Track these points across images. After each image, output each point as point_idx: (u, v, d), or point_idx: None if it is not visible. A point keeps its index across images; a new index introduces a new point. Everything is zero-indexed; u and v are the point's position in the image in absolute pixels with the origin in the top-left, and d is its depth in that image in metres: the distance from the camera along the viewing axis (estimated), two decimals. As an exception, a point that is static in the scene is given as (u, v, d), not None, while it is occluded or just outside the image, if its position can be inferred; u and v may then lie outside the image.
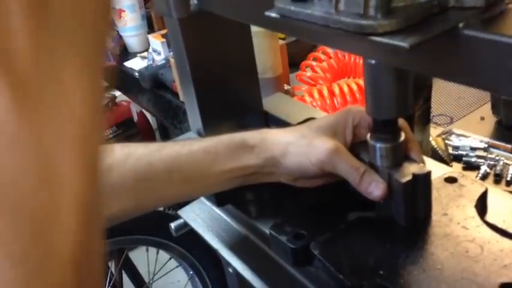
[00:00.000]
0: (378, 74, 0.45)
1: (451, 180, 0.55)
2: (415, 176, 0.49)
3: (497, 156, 0.90)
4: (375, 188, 0.51)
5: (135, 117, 2.30)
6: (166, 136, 2.17)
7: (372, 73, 0.46)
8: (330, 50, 1.28)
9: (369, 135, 0.52)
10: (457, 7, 0.36)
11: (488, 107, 1.06)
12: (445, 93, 1.14)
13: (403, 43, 0.33)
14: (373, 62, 0.45)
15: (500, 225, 0.52)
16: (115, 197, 0.53)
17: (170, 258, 1.39)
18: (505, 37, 0.33)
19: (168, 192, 0.56)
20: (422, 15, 0.36)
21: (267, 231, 0.56)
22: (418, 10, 0.36)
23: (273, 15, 0.43)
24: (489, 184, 0.85)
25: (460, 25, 0.35)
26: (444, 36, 0.35)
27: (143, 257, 1.48)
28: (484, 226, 0.49)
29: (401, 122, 0.52)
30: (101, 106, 0.20)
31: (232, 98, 0.79)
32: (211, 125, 0.79)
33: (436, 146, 0.90)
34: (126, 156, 0.54)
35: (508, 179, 0.84)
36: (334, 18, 0.37)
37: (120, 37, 1.59)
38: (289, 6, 0.41)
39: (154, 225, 1.23)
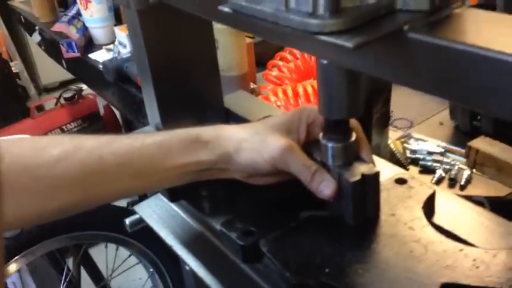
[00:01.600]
0: (329, 74, 0.46)
1: (400, 181, 0.56)
2: (364, 176, 0.50)
3: (452, 161, 0.92)
4: (325, 187, 0.51)
5: (101, 111, 2.26)
6: (131, 131, 2.13)
7: (324, 73, 0.46)
8: (296, 51, 1.28)
9: (321, 135, 0.52)
10: (403, 10, 0.37)
11: (447, 112, 1.09)
12: (406, 98, 1.16)
13: (347, 43, 0.34)
14: (324, 62, 0.45)
15: (446, 227, 0.53)
16: (62, 189, 0.52)
17: (130, 255, 1.37)
18: (448, 41, 0.34)
19: (119, 186, 0.55)
20: (369, 16, 0.36)
21: (219, 227, 0.56)
22: (366, 11, 0.36)
23: (226, 9, 0.43)
24: (444, 188, 0.87)
25: (405, 28, 0.35)
26: (389, 38, 0.35)
27: (104, 253, 1.45)
28: (430, 227, 0.50)
29: (353, 122, 0.53)
30: None
31: (192, 93, 0.79)
32: (170, 120, 0.78)
33: (394, 149, 0.92)
34: (75, 148, 0.52)
35: (462, 183, 0.86)
36: (284, 16, 0.37)
37: (86, 28, 1.55)
38: (241, 2, 0.41)
39: (113, 220, 1.21)
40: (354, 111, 0.48)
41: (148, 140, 0.56)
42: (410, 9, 0.36)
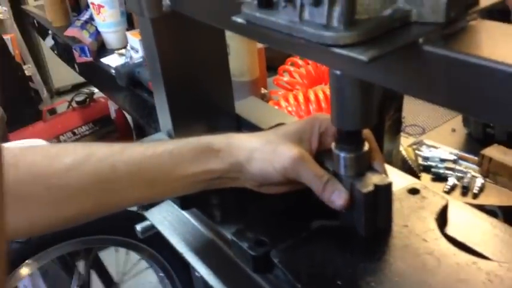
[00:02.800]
0: (343, 85, 0.45)
1: (413, 191, 0.56)
2: (377, 187, 0.50)
3: (465, 168, 0.91)
4: (337, 197, 0.51)
5: (113, 114, 2.27)
6: (142, 134, 2.15)
7: (337, 84, 0.46)
8: (308, 56, 1.28)
9: (333, 144, 0.52)
10: (418, 22, 0.36)
11: (460, 119, 1.08)
12: (418, 104, 1.15)
13: (362, 56, 0.33)
14: (338, 72, 0.45)
15: (459, 238, 0.53)
16: (74, 197, 0.52)
17: (140, 259, 1.38)
18: (464, 55, 0.33)
19: (130, 195, 0.55)
20: (384, 28, 0.36)
21: (230, 236, 0.56)
22: (380, 23, 0.36)
23: (240, 20, 0.43)
24: (456, 196, 0.86)
25: (420, 40, 0.35)
26: (404, 51, 0.35)
27: (114, 257, 1.46)
28: (443, 239, 0.50)
29: (366, 132, 0.53)
30: None
31: (204, 100, 0.79)
32: (182, 126, 0.78)
33: (406, 156, 0.91)
34: (87, 156, 0.53)
35: (475, 191, 0.85)
36: (298, 27, 0.37)
37: (98, 33, 1.56)
38: (255, 13, 0.41)
39: (124, 225, 1.21)
40: (367, 122, 0.47)
41: (160, 149, 0.56)
42: (426, 22, 0.36)
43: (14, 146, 0.57)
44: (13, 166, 0.51)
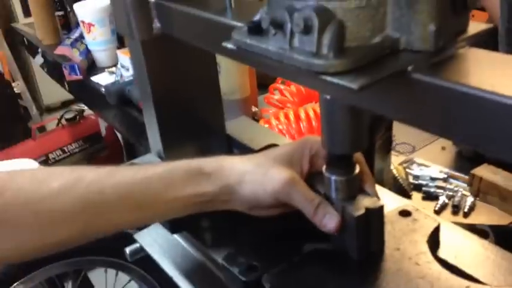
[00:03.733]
0: (333, 109, 0.46)
1: (405, 213, 0.56)
2: (368, 210, 0.50)
3: (456, 187, 0.91)
4: (328, 221, 0.51)
5: (103, 132, 2.26)
6: (132, 152, 2.14)
7: (327, 108, 0.46)
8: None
9: (324, 167, 0.52)
10: (407, 50, 0.37)
11: (449, 136, 1.09)
12: (408, 122, 1.16)
13: (352, 84, 0.34)
14: (328, 97, 0.45)
15: (451, 260, 0.52)
16: (63, 223, 0.52)
17: (130, 280, 1.36)
18: (452, 83, 0.33)
19: (120, 219, 0.55)
20: (373, 56, 0.36)
21: (221, 261, 0.55)
22: (369, 51, 0.36)
23: (230, 46, 0.43)
24: (447, 215, 0.86)
25: (409, 68, 0.35)
26: (394, 78, 0.35)
27: (103, 278, 1.43)
28: (435, 262, 0.50)
29: (357, 154, 0.53)
30: None
31: (195, 120, 0.79)
32: (172, 146, 0.78)
33: (397, 175, 0.92)
34: (76, 180, 0.52)
35: (465, 210, 0.86)
36: (288, 55, 0.37)
37: (89, 51, 1.56)
38: (246, 39, 0.41)
39: (113, 246, 1.19)
40: (358, 146, 0.47)
41: (150, 172, 0.56)
42: (414, 50, 0.36)
43: (1, 170, 0.56)
44: (1, 192, 0.50)
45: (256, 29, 0.40)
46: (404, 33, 0.36)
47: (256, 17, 0.40)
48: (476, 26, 0.38)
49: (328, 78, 0.35)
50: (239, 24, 0.46)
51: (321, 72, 0.35)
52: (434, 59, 0.36)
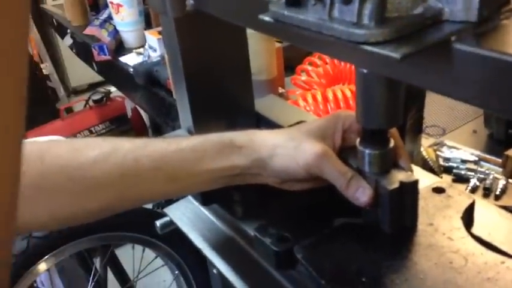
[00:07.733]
0: (370, 83, 0.45)
1: (438, 190, 0.56)
2: (402, 184, 0.49)
3: (487, 170, 0.90)
4: (361, 194, 0.51)
5: (129, 113, 2.29)
6: (158, 133, 2.16)
7: (364, 82, 0.46)
8: (326, 56, 1.28)
9: (358, 141, 0.52)
10: (450, 20, 0.36)
11: (481, 120, 1.07)
12: (438, 105, 1.14)
13: (394, 53, 0.33)
14: (364, 71, 0.45)
15: (485, 238, 0.52)
16: (98, 190, 0.53)
17: (156, 257, 1.39)
18: (496, 53, 0.33)
19: (153, 189, 0.56)
20: (415, 26, 0.36)
21: (252, 232, 0.56)
22: (411, 21, 0.36)
23: (267, 19, 0.43)
24: (478, 197, 0.85)
25: (452, 38, 0.35)
26: (436, 49, 0.35)
27: (130, 255, 1.47)
28: (469, 238, 0.50)
29: (392, 129, 0.52)
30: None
31: (224, 97, 0.79)
32: (202, 123, 0.78)
33: (427, 157, 0.91)
34: (112, 150, 0.53)
35: (497, 193, 0.85)
36: (327, 25, 0.37)
37: (117, 32, 1.58)
38: (283, 11, 0.41)
39: (141, 222, 1.22)
40: (394, 122, 0.47)
41: (183, 144, 0.57)
42: (458, 20, 0.36)
43: (40, 140, 0.58)
44: (39, 159, 0.52)
45: (294, 0, 0.40)
46: (447, 4, 0.36)
47: (295, -12, 0.40)
48: (521, -4, 0.37)
49: (369, 48, 0.35)
50: (276, -4, 0.46)
51: (361, 42, 0.35)
52: (478, 30, 0.35)
